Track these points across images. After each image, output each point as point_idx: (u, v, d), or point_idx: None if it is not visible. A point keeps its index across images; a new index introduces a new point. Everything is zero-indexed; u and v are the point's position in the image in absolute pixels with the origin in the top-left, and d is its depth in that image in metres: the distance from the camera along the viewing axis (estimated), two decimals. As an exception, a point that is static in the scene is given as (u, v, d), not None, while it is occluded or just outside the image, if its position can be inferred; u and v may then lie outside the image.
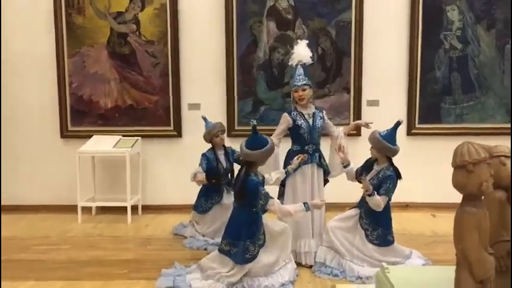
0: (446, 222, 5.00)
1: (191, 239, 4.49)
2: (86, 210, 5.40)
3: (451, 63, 5.49)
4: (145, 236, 4.74)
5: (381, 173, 3.64)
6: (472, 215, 1.04)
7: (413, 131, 5.56)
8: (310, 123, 3.84)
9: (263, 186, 3.42)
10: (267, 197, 3.32)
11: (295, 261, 3.72)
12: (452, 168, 1.18)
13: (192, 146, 5.37)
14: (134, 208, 5.39)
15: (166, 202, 5.63)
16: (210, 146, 4.56)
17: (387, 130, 3.67)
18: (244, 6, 5.41)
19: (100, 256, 4.17)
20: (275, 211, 3.38)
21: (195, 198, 4.69)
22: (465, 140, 1.27)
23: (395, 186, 3.62)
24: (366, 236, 3.65)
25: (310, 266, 3.80)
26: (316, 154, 3.87)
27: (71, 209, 5.35)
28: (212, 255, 3.54)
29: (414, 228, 4.86)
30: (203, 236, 4.48)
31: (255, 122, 3.46)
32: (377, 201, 3.53)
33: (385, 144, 3.58)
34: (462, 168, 1.04)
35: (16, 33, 5.55)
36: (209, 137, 4.50)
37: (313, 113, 3.88)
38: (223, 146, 4.58)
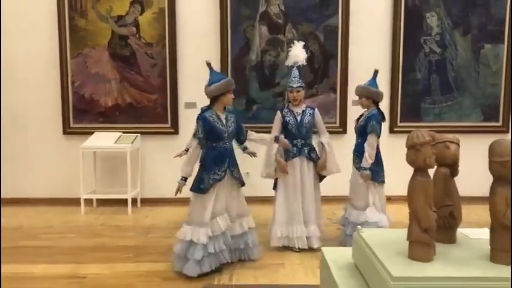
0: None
1: None
2: (87, 202, 5.70)
3: (431, 65, 5.90)
4: (145, 225, 5.08)
5: (367, 115, 4.16)
6: (420, 182, 1.40)
7: (395, 129, 5.95)
8: (299, 119, 4.19)
9: (208, 124, 3.71)
10: (196, 134, 3.78)
11: (288, 246, 4.21)
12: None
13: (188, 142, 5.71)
14: (134, 201, 5.72)
15: (163, 195, 5.93)
16: None
17: (368, 81, 4.27)
18: (237, 11, 5.77)
19: (104, 243, 4.51)
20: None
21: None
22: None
23: (379, 123, 4.12)
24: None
25: (299, 250, 4.21)
26: (305, 148, 4.22)
27: (73, 201, 5.67)
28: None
29: (394, 217, 5.24)
30: None
31: (209, 61, 3.93)
32: (368, 159, 4.07)
33: (371, 89, 4.17)
34: (412, 148, 1.41)
35: (21, 35, 5.84)
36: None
37: (303, 111, 4.24)
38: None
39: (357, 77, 5.86)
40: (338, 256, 1.85)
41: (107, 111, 5.89)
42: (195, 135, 4.34)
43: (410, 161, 1.43)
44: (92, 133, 5.78)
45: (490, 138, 1.80)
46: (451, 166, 1.56)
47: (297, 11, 5.78)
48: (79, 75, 5.87)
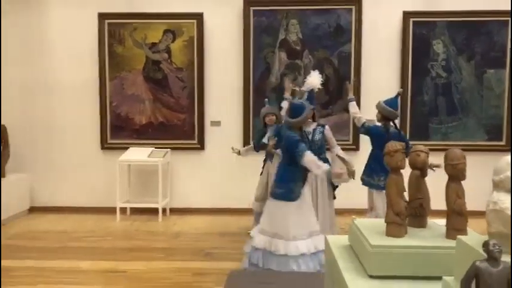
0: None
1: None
2: (122, 211, 6.29)
3: (437, 89, 6.40)
4: (175, 231, 5.64)
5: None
6: (394, 179, 1.91)
7: (404, 146, 6.42)
8: (310, 138, 4.69)
9: None
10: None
11: None
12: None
13: (213, 157, 6.36)
14: (163, 210, 6.28)
15: (191, 205, 6.52)
16: None
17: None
18: (259, 39, 6.38)
19: (139, 245, 5.07)
20: None
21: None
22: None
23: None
24: None
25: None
26: None
27: (109, 210, 6.27)
28: None
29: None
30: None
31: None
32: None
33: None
34: (388, 154, 1.94)
35: (67, 61, 6.54)
36: (261, 116, 5.34)
37: (314, 130, 4.75)
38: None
39: (368, 98, 6.39)
40: (338, 241, 2.35)
41: (141, 129, 6.52)
42: None
43: (388, 163, 1.95)
44: (127, 148, 6.40)
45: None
46: (421, 169, 2.07)
47: (314, 39, 6.37)
48: (116, 96, 6.52)
